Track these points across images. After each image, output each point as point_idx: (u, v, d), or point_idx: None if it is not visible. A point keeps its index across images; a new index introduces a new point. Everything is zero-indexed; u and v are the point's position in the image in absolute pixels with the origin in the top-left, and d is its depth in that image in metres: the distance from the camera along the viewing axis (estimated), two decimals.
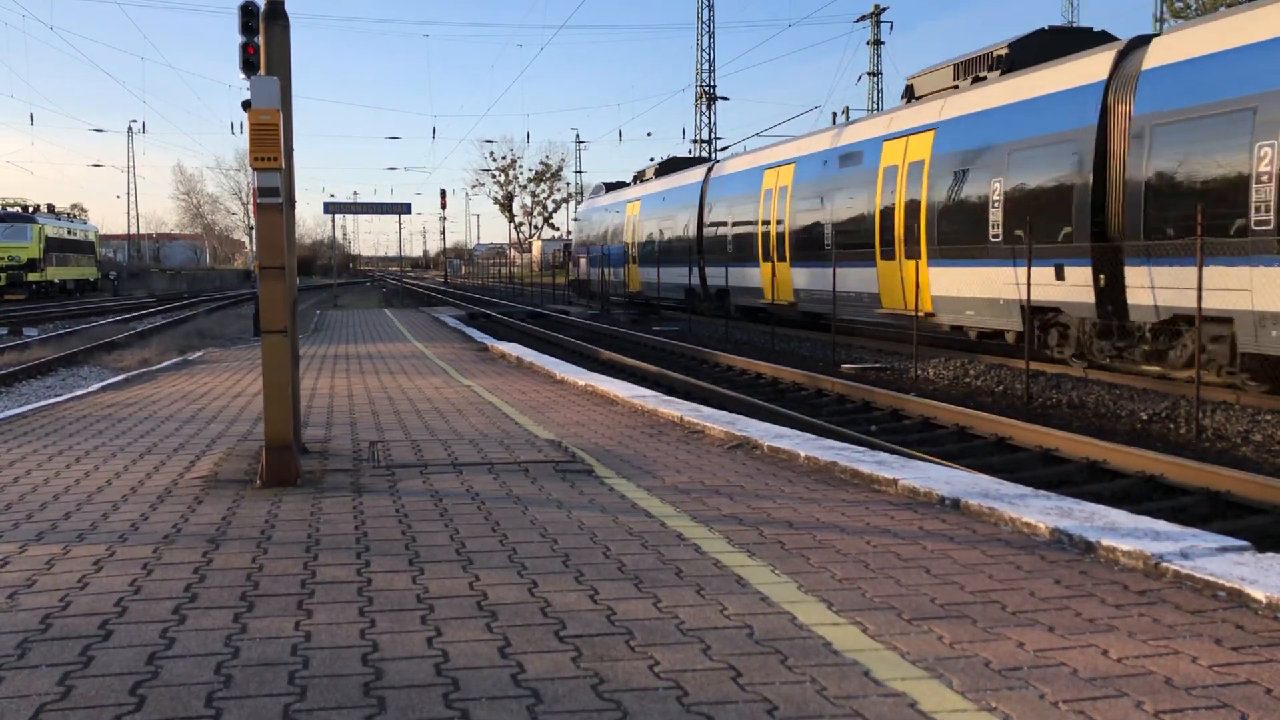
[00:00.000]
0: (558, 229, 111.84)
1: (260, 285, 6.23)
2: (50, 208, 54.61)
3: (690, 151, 55.88)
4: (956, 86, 18.08)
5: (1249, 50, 11.43)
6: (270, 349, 6.17)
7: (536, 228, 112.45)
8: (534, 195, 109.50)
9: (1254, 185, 11.27)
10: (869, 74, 62.32)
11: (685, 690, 2.98)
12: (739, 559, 4.35)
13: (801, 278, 22.12)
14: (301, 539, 4.76)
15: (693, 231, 29.73)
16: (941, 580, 4.05)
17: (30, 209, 51.73)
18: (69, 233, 54.91)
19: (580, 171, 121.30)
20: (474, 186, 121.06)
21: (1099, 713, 2.81)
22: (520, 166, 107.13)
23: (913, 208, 17.88)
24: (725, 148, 53.99)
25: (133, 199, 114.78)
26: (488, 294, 54.65)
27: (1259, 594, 3.66)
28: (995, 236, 15.62)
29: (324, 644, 3.37)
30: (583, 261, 40.90)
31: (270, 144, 6.08)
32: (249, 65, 7.30)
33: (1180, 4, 31.84)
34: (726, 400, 12.79)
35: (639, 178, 39.07)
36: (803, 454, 6.59)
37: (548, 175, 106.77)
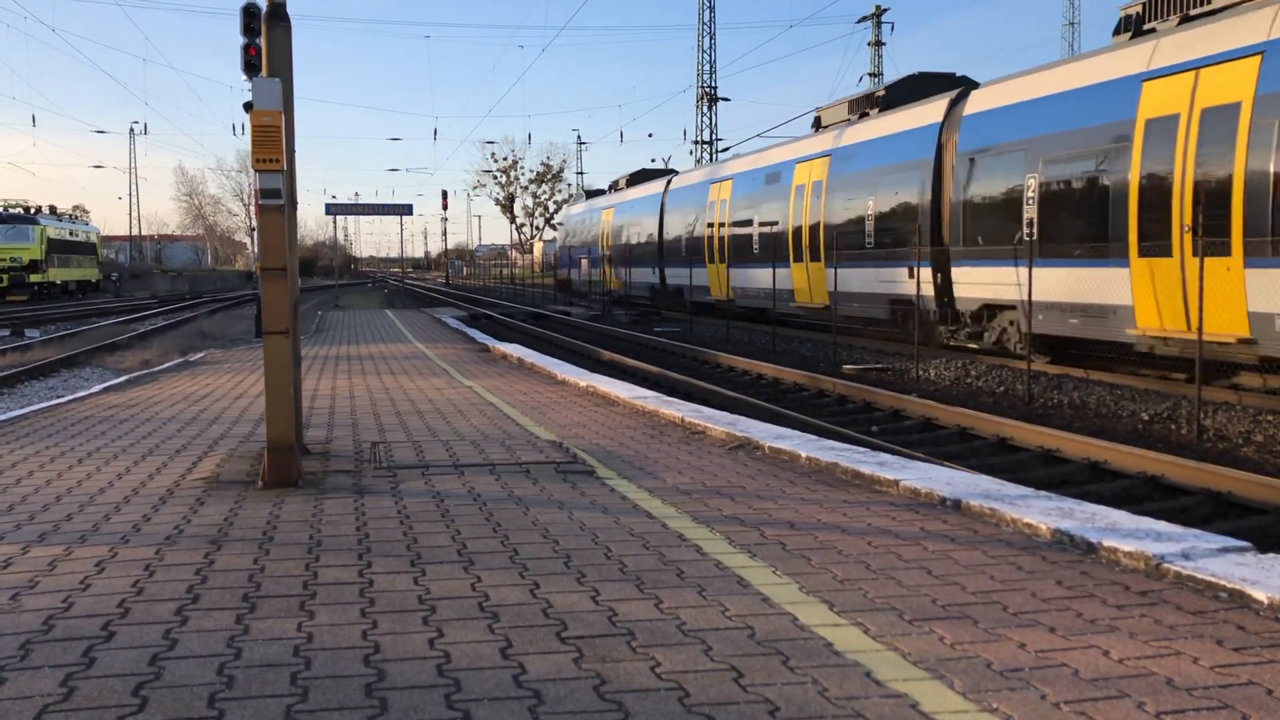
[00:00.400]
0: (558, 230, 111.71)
1: (262, 286, 6.24)
2: (52, 209, 54.63)
3: (691, 153, 56.08)
4: (849, 120, 22.05)
5: (1022, 105, 15.68)
6: (272, 350, 6.18)
7: (538, 229, 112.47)
8: (535, 196, 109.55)
9: (1024, 206, 15.32)
10: (870, 75, 62.30)
11: (687, 691, 2.99)
12: (740, 560, 4.36)
13: (737, 277, 25.94)
14: (303, 540, 4.76)
15: (655, 236, 33.63)
16: (943, 581, 4.05)
17: (32, 210, 51.74)
18: (71, 234, 54.95)
19: (582, 173, 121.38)
20: (475, 188, 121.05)
21: (1100, 713, 2.81)
22: (521, 167, 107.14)
23: (815, 219, 21.77)
24: (726, 148, 54.33)
25: (134, 200, 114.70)
26: (489, 295, 54.66)
27: (1260, 595, 3.66)
28: (869, 244, 19.37)
29: (326, 645, 3.38)
30: (583, 262, 43.14)
31: (272, 145, 6.09)
32: (251, 67, 7.30)
33: None
34: (727, 401, 12.79)
35: (614, 187, 42.93)
36: (804, 455, 6.59)
37: (549, 176, 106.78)
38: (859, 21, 61.13)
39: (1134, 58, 13.61)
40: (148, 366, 16.18)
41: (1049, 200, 14.79)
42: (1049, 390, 13.89)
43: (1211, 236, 11.71)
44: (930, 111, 18.40)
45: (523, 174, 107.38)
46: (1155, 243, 12.91)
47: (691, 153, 56.44)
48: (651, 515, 5.19)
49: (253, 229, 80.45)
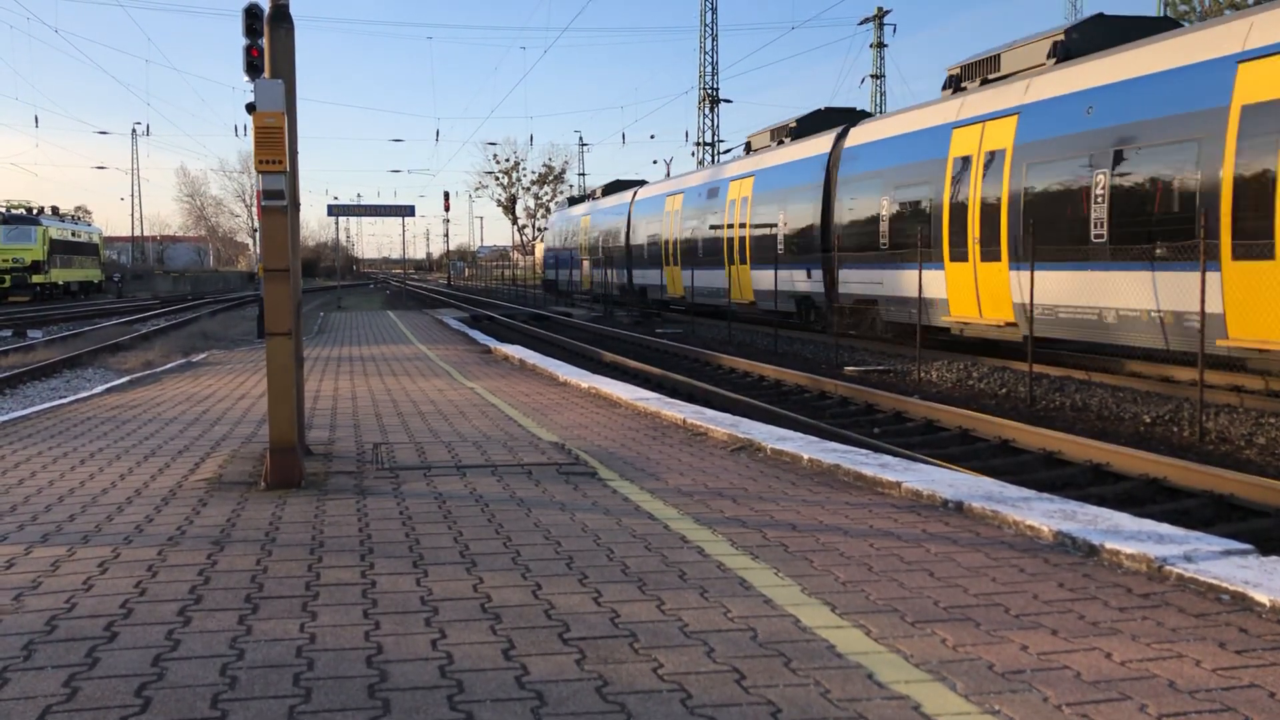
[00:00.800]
0: None
1: (264, 287, 6.24)
2: (54, 210, 54.70)
3: (693, 154, 56.42)
4: (770, 145, 26.67)
5: (880, 141, 19.97)
6: (274, 351, 6.19)
7: (540, 230, 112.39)
8: (537, 198, 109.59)
9: (880, 222, 19.52)
10: (872, 76, 62.30)
11: (689, 693, 2.99)
12: (742, 562, 4.36)
13: (687, 278, 30.01)
14: (306, 541, 4.77)
15: (623, 241, 37.79)
16: (945, 583, 4.05)
17: (35, 211, 51.81)
18: (73, 235, 55.01)
19: (584, 174, 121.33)
20: (477, 189, 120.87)
21: (1102, 716, 2.81)
22: (523, 169, 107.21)
23: (742, 229, 26.27)
24: (728, 150, 54.66)
25: (137, 201, 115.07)
26: (491, 296, 54.67)
27: (1263, 597, 3.66)
28: (780, 250, 23.67)
29: (329, 646, 3.38)
30: (585, 264, 45.24)
31: (275, 146, 6.10)
32: (253, 68, 7.32)
33: (1185, 6, 31.83)
34: (729, 402, 12.79)
35: (591, 196, 47.99)
36: (806, 456, 6.59)
37: (551, 177, 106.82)
38: (861, 23, 61.15)
39: (948, 110, 17.76)
40: (150, 367, 16.19)
41: (895, 218, 19.04)
42: (1051, 392, 13.88)
43: (989, 246, 16.06)
44: (822, 143, 22.76)
45: (525, 175, 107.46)
46: (958, 250, 16.92)
47: (693, 154, 56.50)
48: (654, 517, 5.20)
49: (255, 230, 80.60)
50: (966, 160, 16.80)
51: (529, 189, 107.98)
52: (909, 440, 10.75)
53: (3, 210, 49.90)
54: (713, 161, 52.68)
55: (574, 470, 6.48)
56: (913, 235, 17.44)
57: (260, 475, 6.24)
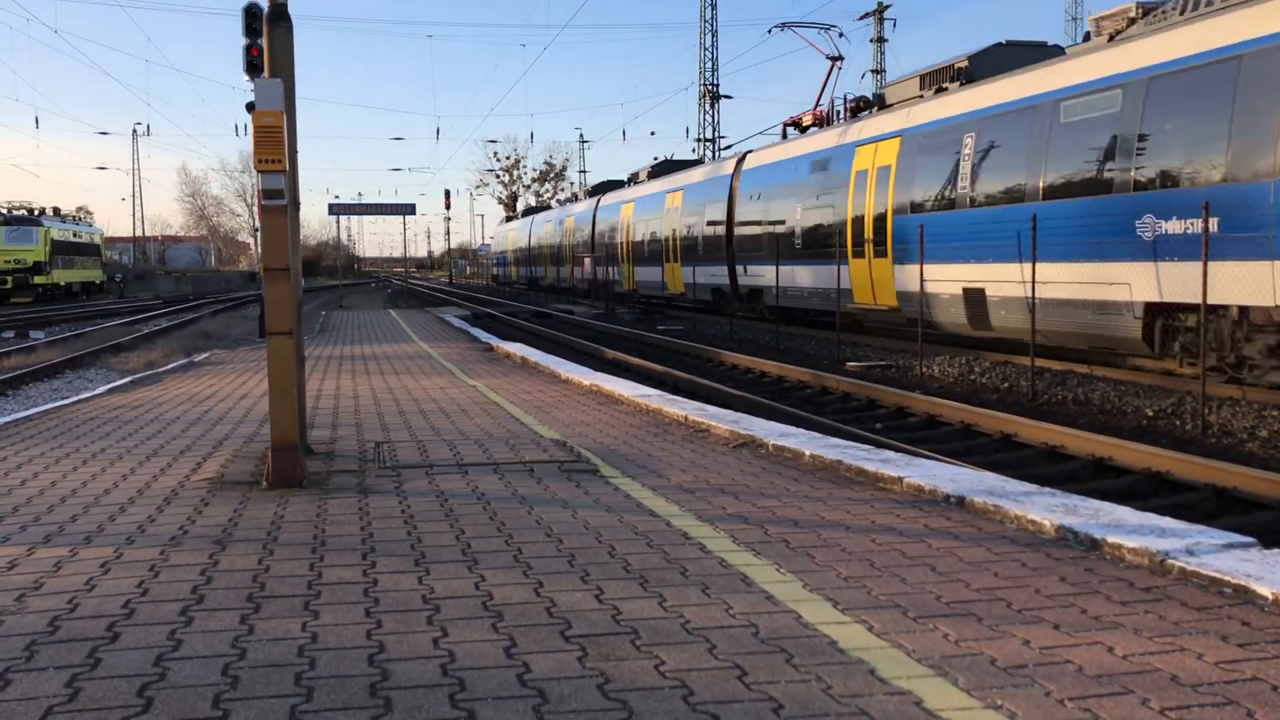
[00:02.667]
0: None
1: (265, 287, 6.24)
2: (56, 210, 54.73)
3: (694, 150, 56.72)
4: (693, 166, 35.59)
5: (764, 167, 25.45)
6: (275, 350, 6.19)
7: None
8: (538, 195, 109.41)
9: (762, 227, 24.95)
10: (872, 71, 62.18)
11: (691, 689, 2.99)
12: (744, 558, 4.36)
13: (639, 274, 36.53)
14: (308, 540, 4.77)
15: (589, 241, 44.40)
16: (947, 578, 4.05)
17: (36, 212, 51.83)
18: (74, 235, 55.03)
19: (584, 171, 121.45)
20: (478, 187, 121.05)
21: (1105, 710, 2.81)
22: (524, 166, 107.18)
23: (675, 233, 32.11)
24: (728, 146, 55.26)
25: (138, 201, 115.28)
26: (492, 294, 54.66)
27: (1265, 590, 3.65)
28: (699, 250, 29.49)
29: (330, 645, 3.38)
30: (554, 262, 53.45)
31: (275, 146, 6.10)
32: (253, 67, 7.31)
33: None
34: (731, 399, 12.79)
35: (529, 211, 64.98)
36: (808, 452, 6.59)
37: (552, 175, 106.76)
38: (860, 18, 61.04)
39: (851, 133, 20.98)
40: (152, 367, 16.20)
41: (770, 224, 24.55)
42: (1053, 386, 13.87)
43: (879, 245, 19.17)
44: (729, 165, 28.63)
45: (525, 173, 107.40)
46: (858, 248, 19.91)
47: (694, 150, 56.49)
48: (655, 514, 5.20)
49: (256, 229, 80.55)
50: (864, 173, 19.94)
51: (530, 186, 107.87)
52: (911, 435, 10.75)
53: (4, 211, 49.92)
54: (713, 158, 53.37)
55: (576, 468, 6.48)
56: (816, 236, 21.86)
57: (262, 475, 6.24)
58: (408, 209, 45.75)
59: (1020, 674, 3.07)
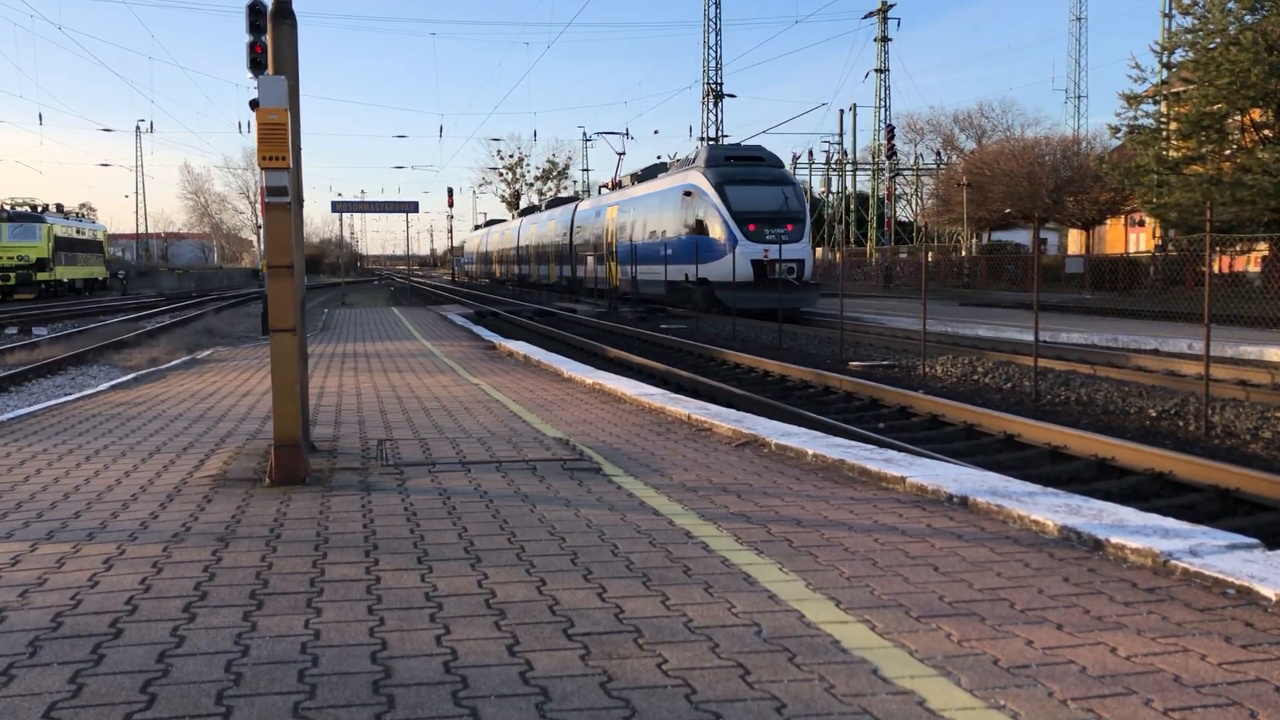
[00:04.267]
0: None
1: (268, 284, 6.25)
2: (59, 207, 54.76)
3: (697, 149, 57.15)
4: (578, 199, 55.11)
5: (580, 210, 47.12)
6: (278, 347, 6.19)
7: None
8: (541, 193, 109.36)
9: (592, 245, 44.73)
10: (877, 70, 62.16)
11: (694, 688, 2.99)
12: (747, 557, 4.36)
13: (538, 270, 53.84)
14: (310, 537, 4.77)
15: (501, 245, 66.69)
16: (950, 578, 4.04)
17: (39, 208, 51.88)
18: (77, 232, 55.08)
19: (587, 169, 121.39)
20: (481, 185, 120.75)
21: (1108, 710, 2.81)
22: (527, 164, 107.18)
23: (546, 245, 52.46)
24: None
25: (141, 198, 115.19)
26: (495, 292, 54.67)
27: (1269, 591, 3.65)
28: (551, 257, 51.01)
29: (333, 642, 3.38)
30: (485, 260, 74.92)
31: (278, 143, 6.10)
32: (257, 64, 7.32)
33: (1189, 17, 31.82)
34: (734, 398, 12.78)
35: (490, 224, 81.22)
36: (810, 451, 6.59)
37: (555, 173, 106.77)
38: (865, 17, 60.99)
39: (610, 197, 41.84)
40: (155, 364, 16.22)
41: (583, 244, 44.22)
42: (1056, 387, 13.86)
43: (611, 255, 39.75)
44: (570, 207, 48.55)
45: (528, 171, 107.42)
46: (608, 256, 39.19)
47: (697, 149, 56.59)
48: (658, 512, 5.20)
49: (259, 227, 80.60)
50: (610, 220, 40.01)
51: (533, 185, 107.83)
52: (914, 435, 10.73)
53: (7, 208, 49.95)
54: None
55: (579, 466, 6.48)
56: (593, 250, 42.35)
57: (265, 472, 6.24)
58: (411, 207, 45.78)
59: (1023, 674, 3.07)
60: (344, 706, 2.88)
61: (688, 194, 31.01)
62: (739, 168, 30.66)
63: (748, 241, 28.34)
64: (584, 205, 47.05)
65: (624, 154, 49.17)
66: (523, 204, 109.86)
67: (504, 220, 77.37)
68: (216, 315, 32.13)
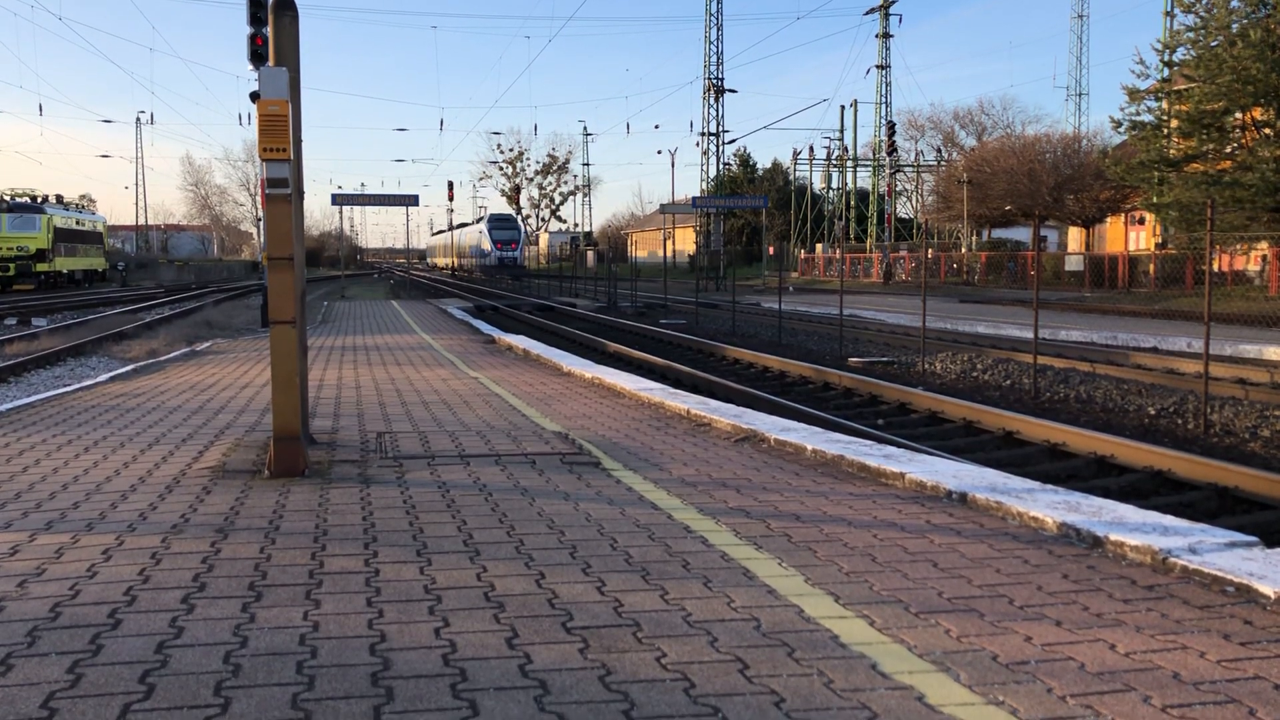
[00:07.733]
0: (565, 221, 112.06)
1: (268, 276, 6.24)
2: (59, 198, 54.65)
3: (697, 145, 59.10)
4: (460, 228, 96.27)
5: (435, 234, 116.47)
6: (278, 340, 6.18)
7: (544, 220, 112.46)
8: (541, 188, 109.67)
9: (447, 252, 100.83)
10: (878, 67, 62.11)
11: (693, 682, 2.99)
12: (746, 551, 4.36)
13: (459, 262, 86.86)
14: (309, 529, 4.77)
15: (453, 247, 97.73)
16: (949, 574, 4.04)
17: (39, 199, 51.77)
18: (77, 223, 54.98)
19: (588, 164, 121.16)
20: (481, 179, 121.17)
21: (1106, 707, 2.81)
22: (528, 159, 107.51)
23: (450, 247, 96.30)
24: (732, 141, 57.07)
25: (141, 190, 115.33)
26: (495, 286, 54.66)
27: (1267, 589, 3.65)
28: (455, 256, 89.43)
29: (332, 634, 3.38)
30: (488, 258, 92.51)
31: (279, 135, 6.09)
32: (257, 56, 7.31)
33: (1191, 15, 31.76)
34: (734, 393, 12.78)
35: (438, 233, 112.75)
36: (810, 447, 6.59)
37: (555, 167, 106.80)
38: (867, 14, 60.92)
39: (462, 230, 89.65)
40: (154, 356, 16.21)
41: (459, 247, 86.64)
42: (1055, 384, 13.87)
43: (447, 258, 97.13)
44: (460, 231, 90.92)
45: (529, 165, 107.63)
46: (462, 253, 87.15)
47: (698, 144, 56.63)
48: (657, 507, 5.19)
49: (259, 219, 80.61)
50: (451, 240, 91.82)
51: (533, 179, 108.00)
52: (913, 432, 10.74)
53: (7, 198, 49.87)
54: (717, 152, 55.14)
55: (578, 460, 6.48)
56: (445, 258, 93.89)
57: (264, 464, 6.24)
58: (411, 200, 45.60)
59: (1022, 670, 3.07)
60: (343, 698, 2.88)
61: (480, 231, 72.44)
62: (498, 223, 71.23)
63: (496, 251, 67.58)
64: (458, 231, 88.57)
65: (454, 210, 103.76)
66: (523, 198, 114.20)
67: (444, 231, 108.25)
68: (216, 307, 32.12)
